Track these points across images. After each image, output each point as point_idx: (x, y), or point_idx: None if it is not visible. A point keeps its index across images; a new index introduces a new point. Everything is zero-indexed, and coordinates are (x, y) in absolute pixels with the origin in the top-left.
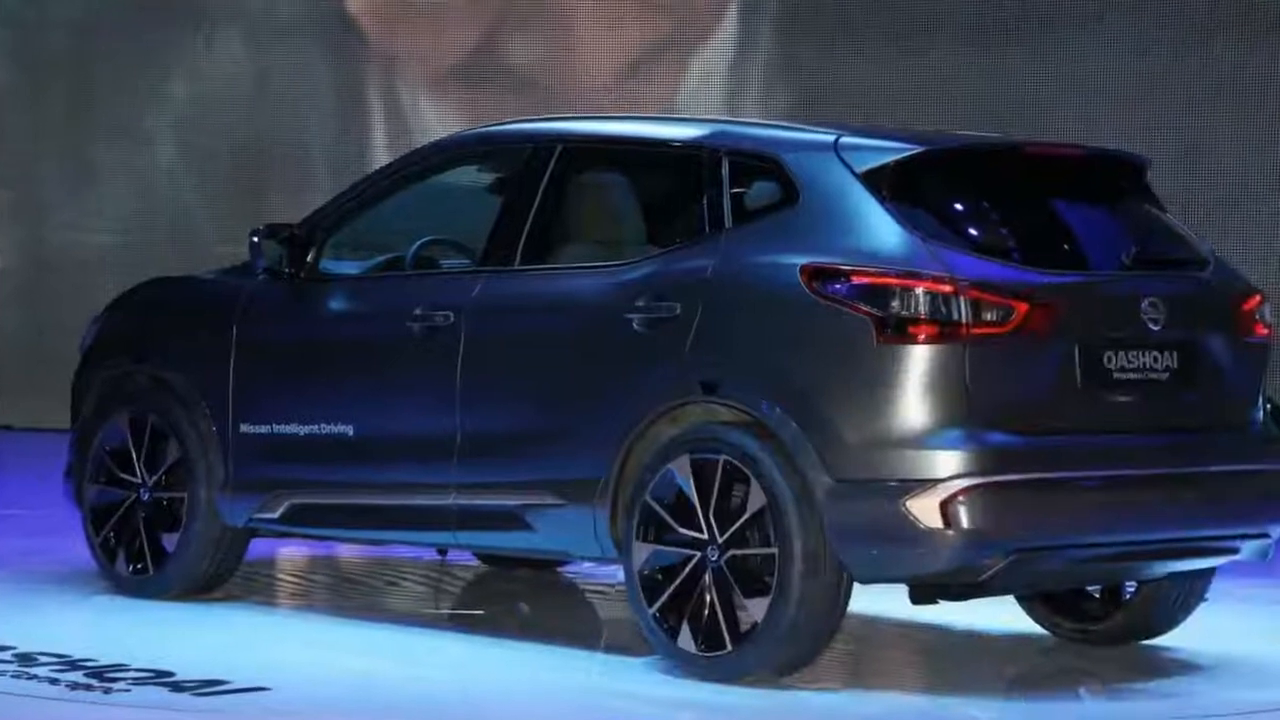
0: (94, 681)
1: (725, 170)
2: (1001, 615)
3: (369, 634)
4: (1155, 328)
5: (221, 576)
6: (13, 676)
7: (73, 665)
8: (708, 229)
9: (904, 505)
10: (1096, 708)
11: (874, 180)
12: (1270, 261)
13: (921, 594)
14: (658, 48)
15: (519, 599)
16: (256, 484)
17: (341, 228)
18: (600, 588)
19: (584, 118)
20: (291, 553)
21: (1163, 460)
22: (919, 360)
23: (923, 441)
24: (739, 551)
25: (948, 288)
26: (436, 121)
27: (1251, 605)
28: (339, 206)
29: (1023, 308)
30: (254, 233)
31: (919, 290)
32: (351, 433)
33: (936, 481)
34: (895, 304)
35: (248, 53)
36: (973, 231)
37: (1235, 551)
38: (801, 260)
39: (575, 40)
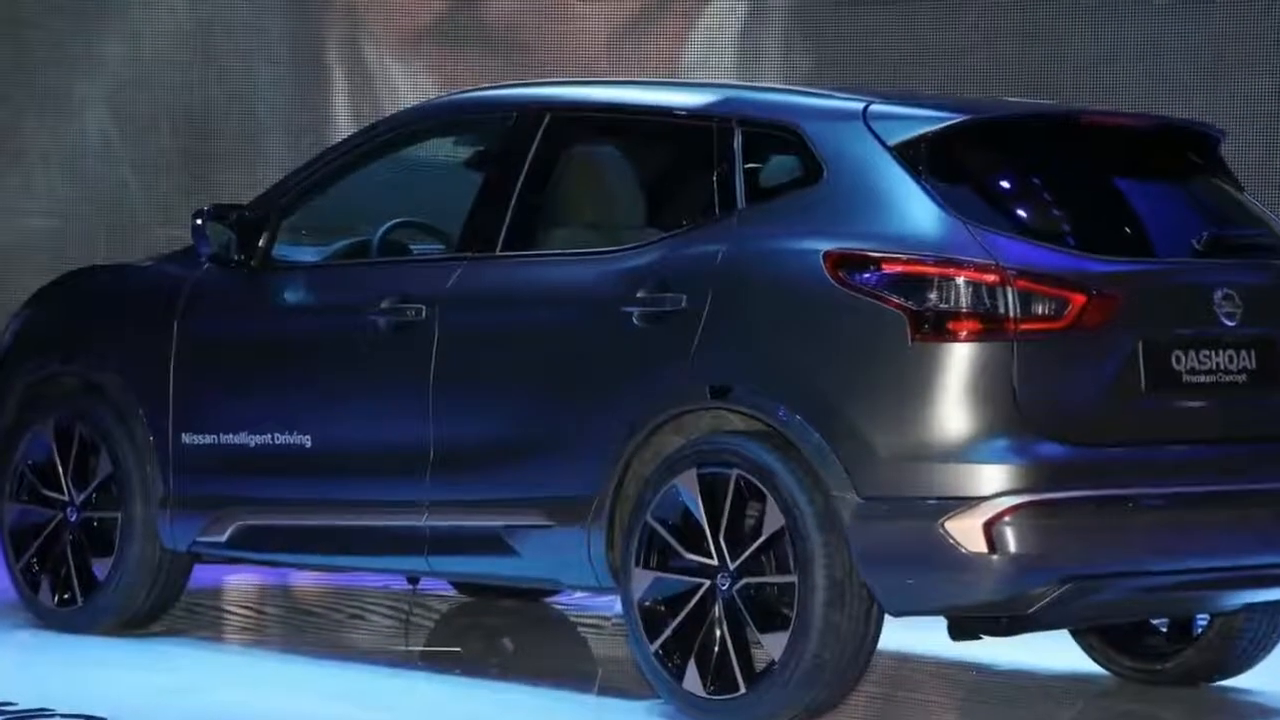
0: None
1: (738, 143)
2: (1054, 653)
3: (329, 675)
4: (1230, 323)
5: (161, 608)
6: None
7: None
8: (718, 210)
9: (942, 526)
10: None
11: (908, 154)
12: None
13: (962, 628)
14: (660, 2)
15: (502, 635)
16: (201, 502)
17: (298, 208)
18: (595, 621)
19: (576, 83)
20: (241, 581)
21: (1239, 475)
22: (960, 360)
23: (964, 454)
24: (753, 580)
25: (993, 277)
26: (408, 86)
27: None
28: (295, 184)
29: (1079, 300)
30: (198, 214)
31: (960, 280)
32: (309, 444)
33: (980, 499)
34: (932, 296)
35: (190, 6)
36: (1021, 213)
37: None
38: (825, 246)
39: None
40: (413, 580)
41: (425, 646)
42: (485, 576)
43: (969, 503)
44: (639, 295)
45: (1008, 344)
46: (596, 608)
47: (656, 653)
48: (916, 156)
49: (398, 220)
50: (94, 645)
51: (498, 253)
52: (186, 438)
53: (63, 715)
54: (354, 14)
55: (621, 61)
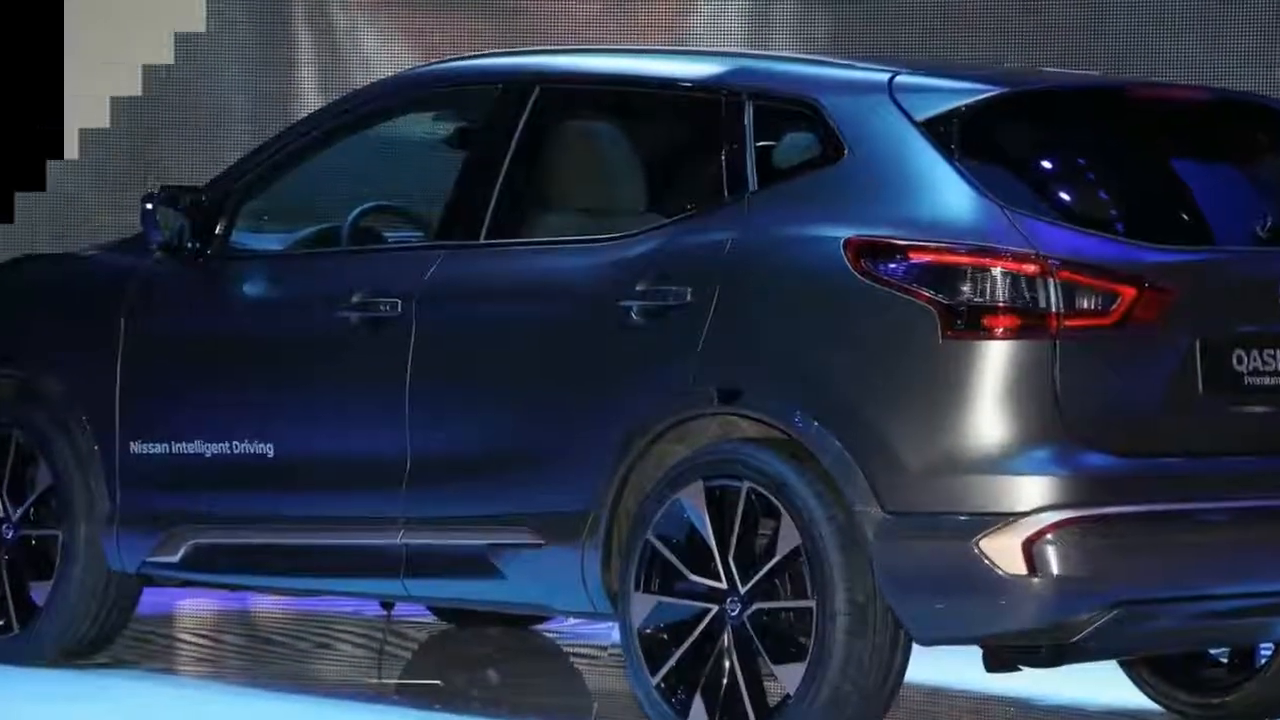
0: None
1: (749, 118)
2: (1101, 685)
3: (294, 709)
4: None
5: (106, 636)
6: None
7: None
8: (726, 193)
9: (977, 545)
10: None
11: (939, 130)
12: None
13: (999, 658)
14: None
15: (486, 666)
16: (151, 519)
17: (259, 192)
18: (590, 651)
19: (569, 51)
20: (195, 606)
21: None
22: (996, 360)
23: (1001, 464)
24: (766, 605)
25: (1033, 267)
26: (381, 55)
27: None
28: (256, 165)
29: (1129, 293)
30: (148, 198)
31: (996, 270)
32: (271, 454)
33: (1018, 515)
34: (966, 288)
35: None
36: (1065, 196)
37: None
38: (846, 233)
39: None
40: (387, 605)
41: (401, 679)
42: (468, 601)
43: (1006, 519)
44: (638, 288)
45: (1049, 342)
46: (591, 636)
47: (658, 686)
48: (948, 133)
49: (370, 205)
50: (32, 677)
51: (481, 241)
52: (135, 447)
53: None
54: None
55: (620, 28)
